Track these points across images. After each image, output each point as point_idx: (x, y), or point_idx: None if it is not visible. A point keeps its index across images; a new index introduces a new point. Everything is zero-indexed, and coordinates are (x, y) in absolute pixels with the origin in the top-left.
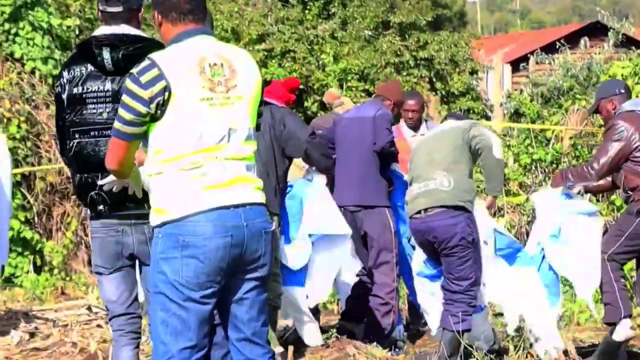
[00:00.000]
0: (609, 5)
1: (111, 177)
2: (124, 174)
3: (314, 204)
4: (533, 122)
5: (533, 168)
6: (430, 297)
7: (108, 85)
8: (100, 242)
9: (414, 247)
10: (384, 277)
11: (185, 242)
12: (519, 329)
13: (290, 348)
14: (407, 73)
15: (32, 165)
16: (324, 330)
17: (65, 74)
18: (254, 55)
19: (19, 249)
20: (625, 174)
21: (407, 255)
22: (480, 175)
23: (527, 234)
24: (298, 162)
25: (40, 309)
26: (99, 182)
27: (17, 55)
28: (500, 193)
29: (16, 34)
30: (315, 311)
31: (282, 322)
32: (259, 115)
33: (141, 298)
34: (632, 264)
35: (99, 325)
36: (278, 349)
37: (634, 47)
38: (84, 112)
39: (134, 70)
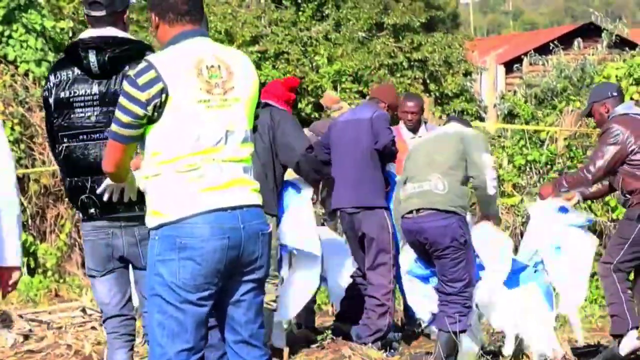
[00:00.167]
0: (602, 6)
1: (107, 182)
2: (121, 177)
3: (295, 216)
4: (527, 123)
5: (527, 169)
6: (423, 300)
7: (95, 89)
8: (91, 244)
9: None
10: (380, 279)
11: (183, 244)
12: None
13: (286, 349)
14: (400, 74)
15: (26, 167)
16: (319, 331)
17: (52, 78)
18: None
19: None
20: (622, 177)
21: None
22: None
23: (522, 235)
24: None
25: (34, 311)
26: (98, 191)
27: (10, 57)
28: (496, 216)
29: (9, 36)
30: (311, 312)
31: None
32: (256, 117)
33: (135, 302)
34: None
35: (93, 328)
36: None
37: (627, 48)
38: (72, 116)
39: (131, 72)
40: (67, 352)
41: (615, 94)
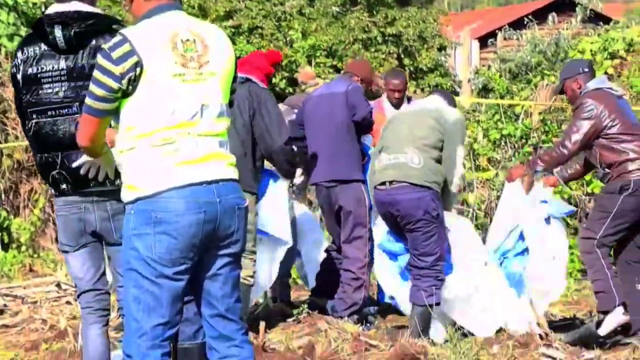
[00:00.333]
0: None
1: (84, 158)
2: (96, 151)
3: (270, 203)
4: (502, 97)
5: (502, 143)
6: (393, 280)
7: (62, 64)
8: (63, 220)
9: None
10: (356, 252)
11: (158, 218)
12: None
13: (262, 324)
14: (375, 49)
15: None
16: (294, 305)
17: (19, 54)
18: None
19: None
20: (599, 151)
21: None
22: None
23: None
24: None
25: (8, 286)
26: (73, 165)
27: None
28: (449, 211)
29: None
30: (286, 286)
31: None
32: (233, 91)
33: (109, 277)
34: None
35: (68, 302)
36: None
37: (601, 23)
38: (40, 92)
39: (106, 46)
40: (42, 327)
41: (586, 69)
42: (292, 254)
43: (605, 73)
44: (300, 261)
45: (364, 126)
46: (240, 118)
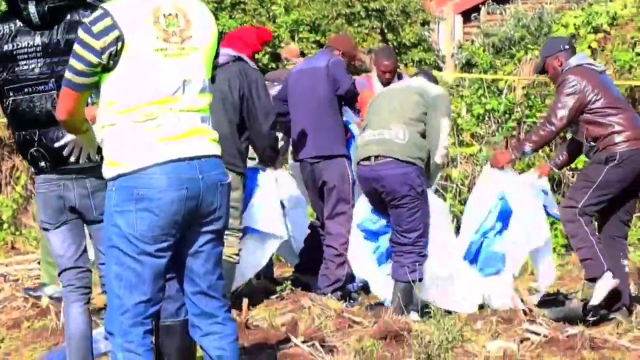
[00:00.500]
0: None
1: (68, 138)
2: (74, 126)
3: (260, 199)
4: (485, 72)
5: (486, 118)
6: (368, 263)
7: (38, 40)
8: (43, 197)
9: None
10: (339, 228)
11: (140, 195)
12: None
13: (245, 301)
14: (358, 24)
15: None
16: (278, 282)
17: None
18: None
19: None
20: (585, 126)
21: None
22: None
23: None
24: None
25: None
26: (56, 145)
27: None
28: (430, 187)
29: None
30: (270, 263)
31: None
32: (215, 67)
33: (91, 256)
34: None
35: None
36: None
37: None
38: (16, 69)
39: (87, 20)
40: (24, 305)
41: (567, 46)
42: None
43: (589, 47)
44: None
45: (347, 98)
46: (230, 96)
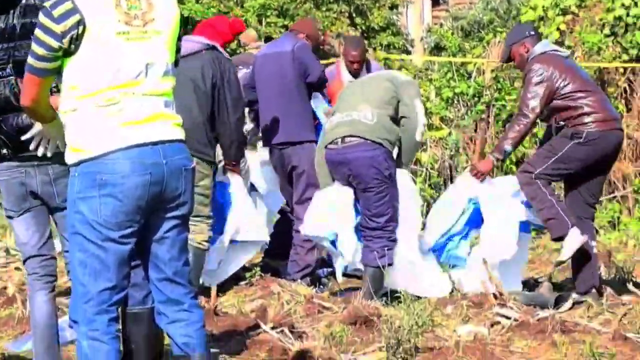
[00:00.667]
0: None
1: (35, 129)
2: (39, 113)
3: (236, 212)
4: (454, 55)
5: (455, 102)
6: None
7: None
8: (5, 184)
9: None
10: None
11: (103, 180)
12: None
13: (214, 288)
14: (326, 8)
15: None
16: (247, 268)
17: None
18: None
19: None
20: (557, 112)
21: None
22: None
23: (450, 168)
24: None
25: None
26: (23, 137)
27: None
28: (408, 168)
29: None
30: None
31: None
32: (178, 50)
33: (57, 245)
34: None
35: (17, 268)
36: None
37: None
38: None
39: (47, 4)
40: None
41: (532, 32)
42: None
43: (558, 29)
44: None
45: (317, 85)
46: (202, 84)
